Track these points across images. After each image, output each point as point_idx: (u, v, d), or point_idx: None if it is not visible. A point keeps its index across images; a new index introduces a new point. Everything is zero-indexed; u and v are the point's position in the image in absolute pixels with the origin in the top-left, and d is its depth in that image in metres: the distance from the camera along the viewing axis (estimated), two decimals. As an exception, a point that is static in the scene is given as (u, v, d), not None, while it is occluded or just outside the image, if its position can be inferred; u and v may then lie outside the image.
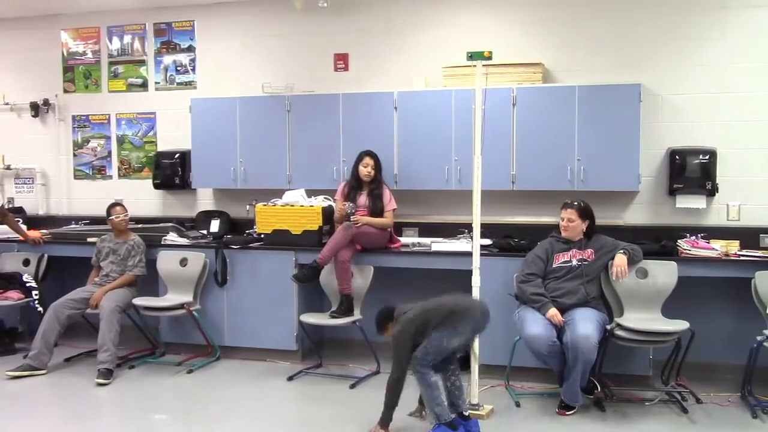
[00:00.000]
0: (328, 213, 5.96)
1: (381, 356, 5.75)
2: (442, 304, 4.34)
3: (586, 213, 5.15)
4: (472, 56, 4.72)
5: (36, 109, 7.47)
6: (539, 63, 5.90)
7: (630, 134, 5.56)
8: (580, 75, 5.95)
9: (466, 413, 4.39)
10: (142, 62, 7.20)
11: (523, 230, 5.88)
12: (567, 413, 4.77)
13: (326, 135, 6.21)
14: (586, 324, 4.71)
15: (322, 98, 6.28)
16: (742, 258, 5.22)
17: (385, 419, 4.33)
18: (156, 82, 7.17)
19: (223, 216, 6.74)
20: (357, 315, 5.67)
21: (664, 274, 5.14)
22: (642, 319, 4.99)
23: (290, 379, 5.59)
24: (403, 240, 6.00)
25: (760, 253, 5.27)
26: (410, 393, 4.48)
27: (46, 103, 7.45)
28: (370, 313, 5.76)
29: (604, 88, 5.64)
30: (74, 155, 7.47)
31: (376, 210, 5.78)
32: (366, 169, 5.78)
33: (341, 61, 6.58)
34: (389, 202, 5.82)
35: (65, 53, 7.44)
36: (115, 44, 7.27)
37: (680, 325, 4.86)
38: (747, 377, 4.96)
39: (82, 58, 7.39)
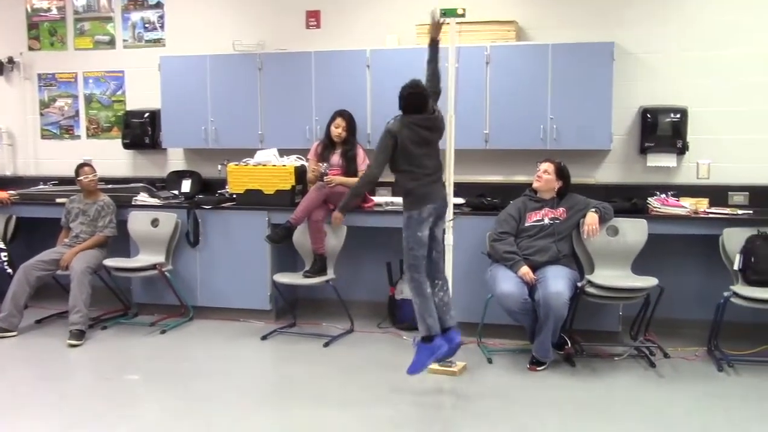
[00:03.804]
0: (300, 172, 5.92)
1: (354, 315, 5.80)
2: (419, 174, 4.46)
3: (562, 173, 5.18)
4: (445, 13, 4.66)
5: (0, 67, 7.29)
6: (513, 21, 5.86)
7: (602, 93, 5.56)
8: (554, 33, 5.90)
9: (451, 326, 4.51)
10: (109, 19, 7.02)
11: (497, 189, 5.89)
12: (538, 369, 4.85)
13: (298, 93, 6.14)
14: (557, 281, 4.76)
15: (293, 56, 6.20)
16: (710, 215, 5.29)
17: (345, 206, 4.84)
18: (124, 40, 7.01)
19: (194, 176, 6.67)
20: (330, 274, 5.68)
21: (634, 231, 5.20)
22: (612, 276, 5.06)
23: (264, 338, 5.61)
24: (376, 199, 5.98)
25: (728, 210, 5.35)
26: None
27: (10, 61, 7.26)
28: (343, 272, 5.83)
29: (577, 46, 5.62)
30: (41, 114, 7.32)
31: (350, 171, 5.75)
32: (337, 130, 5.73)
33: (313, 18, 6.48)
34: (363, 162, 5.79)
35: (29, 9, 7.23)
36: (81, 0, 7.08)
37: (649, 281, 4.94)
38: (714, 332, 5.06)
39: (47, 14, 7.19)
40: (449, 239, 4.77)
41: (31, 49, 7.27)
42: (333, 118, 5.75)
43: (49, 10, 7.18)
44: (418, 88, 4.43)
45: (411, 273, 4.41)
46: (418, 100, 4.43)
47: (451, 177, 4.76)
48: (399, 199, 5.87)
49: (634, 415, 4.17)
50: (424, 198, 4.42)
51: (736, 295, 4.84)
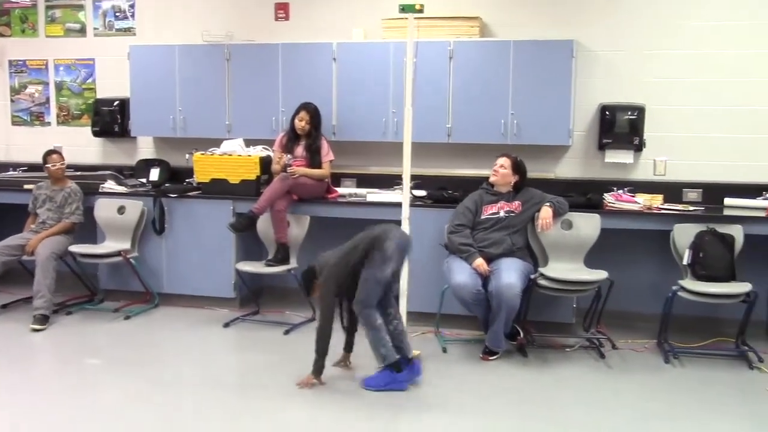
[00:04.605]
0: (266, 163, 6.00)
1: (316, 303, 5.88)
2: (358, 240, 4.43)
3: (518, 168, 5.29)
4: (404, 9, 4.76)
5: (-29, 54, 7.33)
6: (476, 17, 5.95)
7: (562, 89, 5.67)
8: (518, 29, 5.99)
9: (410, 356, 4.51)
10: (80, 7, 7.05)
11: (459, 182, 5.98)
12: (490, 358, 4.97)
13: (265, 85, 6.21)
14: (510, 273, 4.87)
15: (261, 48, 6.26)
16: (662, 211, 5.41)
17: (318, 368, 4.43)
18: (95, 28, 7.04)
19: (163, 164, 6.73)
20: (293, 263, 5.77)
21: (587, 226, 5.32)
22: (565, 269, 5.18)
23: (226, 325, 5.70)
24: (341, 190, 6.08)
25: (680, 206, 5.48)
26: (338, 344, 4.61)
27: (-19, 47, 7.30)
28: (306, 261, 5.85)
29: (538, 43, 5.71)
30: (11, 101, 7.35)
31: (314, 163, 5.83)
32: (301, 123, 5.81)
33: (282, 10, 6.54)
34: (326, 154, 5.88)
35: (0, -4, 7.28)
36: (52, -13, 7.13)
37: (599, 274, 5.07)
38: (663, 325, 5.19)
39: (18, 1, 7.21)
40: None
41: (2, 35, 7.29)
42: (297, 111, 5.83)
43: (20, -4, 7.22)
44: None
45: (361, 307, 4.36)
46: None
47: (407, 169, 4.86)
48: (363, 190, 6.05)
49: (577, 403, 4.31)
50: (381, 237, 4.36)
51: (683, 289, 4.98)
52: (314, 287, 4.52)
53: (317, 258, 4.56)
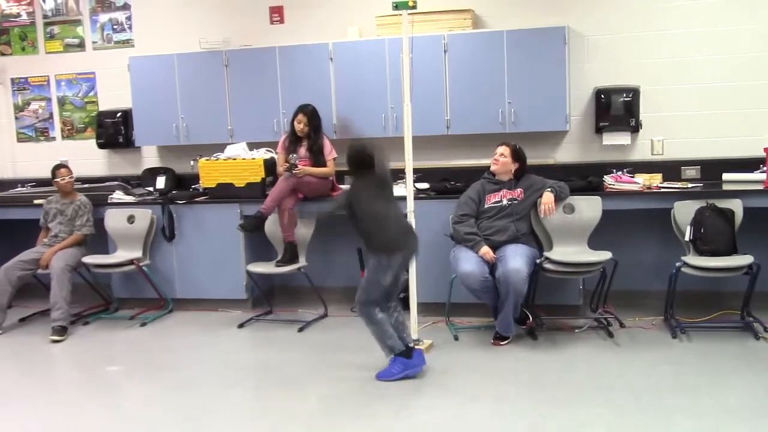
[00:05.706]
0: (270, 165, 6.11)
1: (328, 300, 6.01)
2: (385, 224, 4.46)
3: (518, 155, 5.38)
4: (397, 5, 4.84)
5: (-27, 74, 7.43)
6: (469, 9, 6.04)
7: (557, 76, 5.76)
8: (509, 19, 6.08)
9: (411, 345, 4.62)
10: (78, 22, 7.16)
11: (461, 173, 6.08)
12: (501, 343, 5.07)
13: (265, 88, 6.31)
14: (516, 259, 4.97)
15: (258, 52, 6.35)
16: (662, 190, 5.50)
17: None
18: (93, 42, 7.15)
19: (168, 172, 6.83)
20: (302, 262, 5.87)
21: (589, 208, 5.41)
22: (569, 252, 5.28)
23: (241, 326, 5.80)
24: (345, 187, 6.17)
25: (679, 184, 5.56)
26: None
27: (-17, 67, 7.41)
28: (315, 259, 6.01)
29: (531, 31, 5.80)
30: (16, 118, 7.46)
31: (318, 163, 5.92)
32: (300, 126, 5.90)
33: (276, 14, 6.64)
34: (330, 152, 5.97)
35: (-1, 15, 7.39)
36: (49, 4, 7.20)
37: (603, 255, 5.16)
38: (669, 301, 5.29)
39: (17, 19, 7.32)
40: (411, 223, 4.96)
41: (2, 54, 7.40)
42: (295, 114, 5.91)
43: (18, 15, 7.30)
44: (366, 149, 4.53)
45: (360, 306, 4.46)
46: (369, 160, 4.51)
47: (409, 163, 4.95)
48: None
49: (587, 383, 4.39)
50: (395, 244, 4.43)
51: (686, 265, 5.07)
52: (355, 167, 4.58)
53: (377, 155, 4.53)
